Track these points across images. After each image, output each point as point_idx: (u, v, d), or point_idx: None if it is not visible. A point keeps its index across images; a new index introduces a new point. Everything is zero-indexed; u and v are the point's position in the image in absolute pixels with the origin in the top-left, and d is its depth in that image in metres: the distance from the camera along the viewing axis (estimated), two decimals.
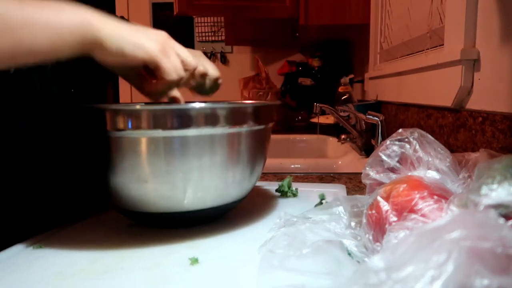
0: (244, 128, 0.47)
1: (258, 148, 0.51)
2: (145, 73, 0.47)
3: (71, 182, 0.56)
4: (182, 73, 0.45)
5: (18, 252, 0.44)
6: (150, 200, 0.46)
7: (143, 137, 0.43)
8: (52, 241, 0.47)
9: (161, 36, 0.45)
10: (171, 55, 0.44)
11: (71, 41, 0.40)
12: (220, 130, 0.45)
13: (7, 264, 0.41)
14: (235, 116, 0.46)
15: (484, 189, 0.30)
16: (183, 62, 0.45)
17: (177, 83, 0.45)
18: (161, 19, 2.97)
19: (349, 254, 0.38)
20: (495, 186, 0.29)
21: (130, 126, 0.42)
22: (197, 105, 0.45)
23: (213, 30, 2.98)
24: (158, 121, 0.42)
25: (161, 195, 0.45)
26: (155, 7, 2.98)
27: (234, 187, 0.49)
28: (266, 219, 0.53)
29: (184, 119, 0.43)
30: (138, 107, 0.43)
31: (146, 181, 0.44)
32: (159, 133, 0.42)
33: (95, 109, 0.43)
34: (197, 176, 0.45)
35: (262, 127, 0.50)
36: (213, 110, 0.44)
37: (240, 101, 0.51)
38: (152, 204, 0.46)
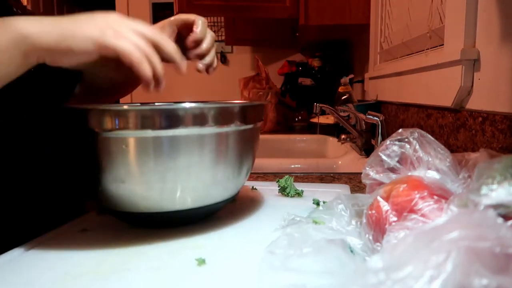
0: (231, 128, 0.48)
1: (246, 147, 0.52)
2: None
3: (67, 183, 0.56)
4: (147, 49, 0.41)
5: (23, 253, 0.44)
6: (140, 200, 0.46)
7: (132, 137, 0.43)
8: (57, 242, 0.47)
9: (109, 19, 0.42)
10: (126, 35, 0.41)
11: (15, 61, 0.39)
12: (209, 129, 0.45)
13: (13, 266, 0.41)
14: (223, 116, 0.46)
15: (484, 189, 0.30)
16: (144, 36, 0.42)
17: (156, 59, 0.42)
18: (161, 19, 2.97)
19: (351, 251, 0.38)
20: (495, 186, 0.30)
21: (118, 126, 0.42)
22: (186, 105, 0.46)
23: (213, 30, 2.98)
24: (146, 121, 0.42)
25: (151, 195, 0.45)
26: (155, 7, 2.98)
27: (223, 186, 0.50)
28: (270, 220, 0.53)
29: (173, 119, 0.43)
30: (126, 107, 0.43)
31: (136, 181, 0.44)
32: (148, 133, 0.43)
33: (84, 109, 0.43)
34: (186, 176, 0.45)
35: (250, 126, 0.51)
36: (201, 110, 0.45)
37: (227, 101, 0.51)
38: (142, 204, 0.46)
